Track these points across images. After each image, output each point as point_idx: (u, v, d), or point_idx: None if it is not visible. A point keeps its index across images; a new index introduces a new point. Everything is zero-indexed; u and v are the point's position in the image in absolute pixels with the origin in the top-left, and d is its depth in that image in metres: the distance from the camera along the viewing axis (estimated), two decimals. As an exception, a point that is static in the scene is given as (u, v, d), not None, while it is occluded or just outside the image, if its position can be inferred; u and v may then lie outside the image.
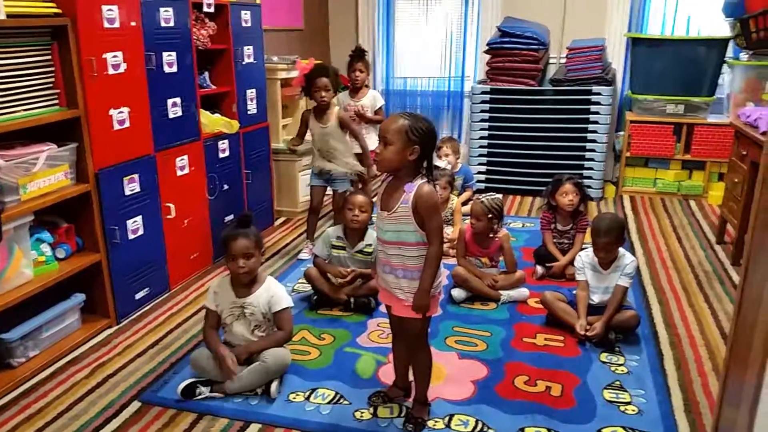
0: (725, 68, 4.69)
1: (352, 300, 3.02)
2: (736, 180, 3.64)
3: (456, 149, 4.69)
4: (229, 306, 2.39)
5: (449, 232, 3.83)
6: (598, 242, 2.76)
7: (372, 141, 4.21)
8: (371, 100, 4.20)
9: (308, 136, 3.72)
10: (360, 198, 3.05)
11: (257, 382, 2.32)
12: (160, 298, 3.21)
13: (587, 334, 2.67)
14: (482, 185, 5.02)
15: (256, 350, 2.36)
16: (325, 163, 3.64)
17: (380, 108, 4.25)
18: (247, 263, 2.32)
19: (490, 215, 3.14)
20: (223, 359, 2.30)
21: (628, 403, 2.27)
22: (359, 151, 3.74)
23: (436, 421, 2.17)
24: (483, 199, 3.18)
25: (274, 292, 2.39)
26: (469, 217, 3.28)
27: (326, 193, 3.84)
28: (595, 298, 2.79)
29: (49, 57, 2.53)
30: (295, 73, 4.59)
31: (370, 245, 3.08)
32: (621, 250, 2.81)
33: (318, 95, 3.47)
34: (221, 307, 2.40)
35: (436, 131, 1.98)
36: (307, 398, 2.32)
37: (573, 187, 3.41)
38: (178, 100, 3.23)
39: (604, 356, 2.60)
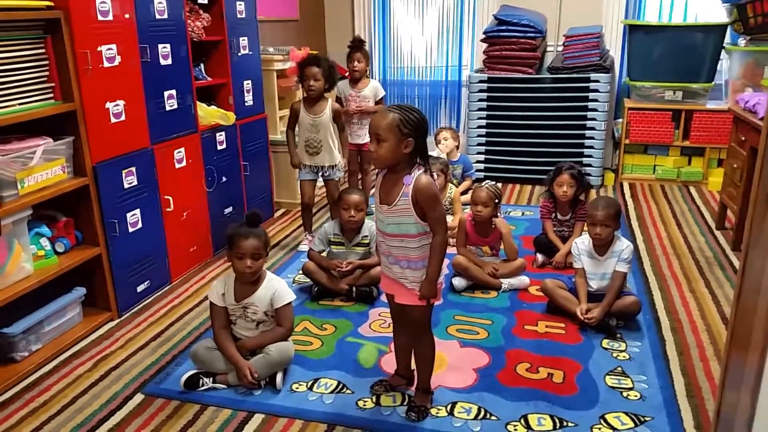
0: (723, 54, 4.67)
1: (353, 289, 3.02)
2: (735, 166, 3.64)
3: (455, 135, 4.68)
4: (231, 308, 2.38)
5: (449, 221, 3.83)
6: (596, 216, 2.71)
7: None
8: (373, 90, 4.19)
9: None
10: (355, 197, 3.03)
11: (261, 375, 2.31)
12: (161, 291, 3.21)
13: (586, 317, 2.67)
14: (481, 174, 5.01)
15: (255, 347, 2.35)
16: (309, 158, 3.58)
17: (381, 99, 4.24)
18: (255, 264, 2.29)
19: (496, 200, 3.15)
20: (242, 369, 2.27)
21: (631, 389, 2.28)
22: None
23: (438, 409, 2.18)
24: (486, 186, 3.18)
25: (276, 288, 2.37)
26: (468, 207, 3.27)
27: (318, 185, 3.80)
28: (593, 284, 2.78)
29: (43, 50, 2.51)
30: (290, 64, 4.57)
31: (366, 236, 3.09)
32: (616, 233, 2.80)
33: (306, 84, 3.45)
34: (225, 305, 2.38)
35: (426, 120, 1.96)
36: (310, 388, 2.33)
37: (569, 178, 3.38)
38: (173, 92, 3.21)
39: (605, 342, 2.60)
